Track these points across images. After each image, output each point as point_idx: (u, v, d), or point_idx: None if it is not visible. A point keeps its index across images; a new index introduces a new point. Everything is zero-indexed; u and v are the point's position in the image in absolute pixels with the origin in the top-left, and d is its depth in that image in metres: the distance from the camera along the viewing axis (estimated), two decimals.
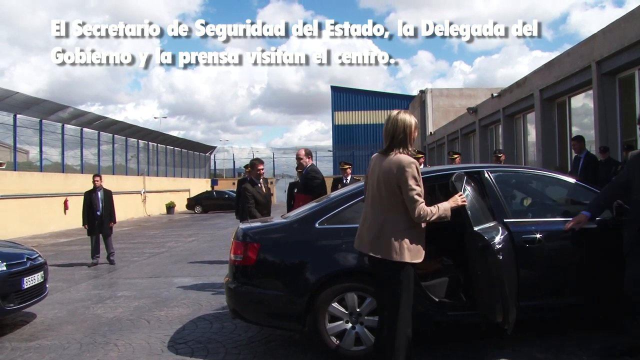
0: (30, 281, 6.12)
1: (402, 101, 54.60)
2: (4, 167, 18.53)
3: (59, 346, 5.40)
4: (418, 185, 3.62)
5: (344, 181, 9.91)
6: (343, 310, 4.55)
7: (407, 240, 3.62)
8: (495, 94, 22.14)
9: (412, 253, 3.63)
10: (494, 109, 22.48)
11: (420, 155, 10.31)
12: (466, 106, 28.21)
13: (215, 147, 50.25)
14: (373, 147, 48.99)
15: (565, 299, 4.75)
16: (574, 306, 4.79)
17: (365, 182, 3.92)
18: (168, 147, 37.58)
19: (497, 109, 21.82)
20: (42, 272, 6.43)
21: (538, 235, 4.67)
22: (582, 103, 16.01)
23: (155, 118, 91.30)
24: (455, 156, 10.58)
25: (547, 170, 6.39)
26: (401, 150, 3.73)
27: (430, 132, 37.18)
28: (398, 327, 3.66)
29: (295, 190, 9.11)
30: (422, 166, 9.85)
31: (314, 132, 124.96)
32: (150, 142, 34.48)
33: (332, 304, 4.54)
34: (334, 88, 58.64)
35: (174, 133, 51.40)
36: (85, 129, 26.17)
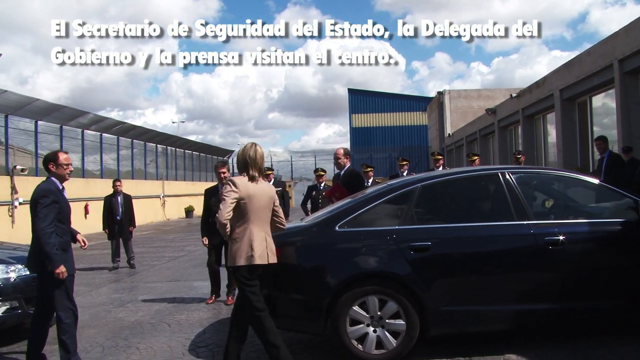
0: None
1: (420, 103, 54.28)
2: (25, 172, 18.74)
3: (81, 349, 5.42)
4: None
5: (366, 184, 9.87)
6: (364, 313, 4.53)
7: None
8: (514, 95, 21.94)
9: None
10: (513, 110, 22.28)
11: (440, 157, 10.27)
12: (484, 107, 28.00)
13: (233, 151, 50.28)
14: (391, 150, 48.85)
15: (593, 302, 4.68)
16: (603, 309, 4.73)
17: (248, 202, 4.28)
18: (186, 151, 37.79)
19: (517, 109, 21.62)
20: None
21: (561, 237, 4.62)
22: (602, 102, 15.80)
23: (173, 123, 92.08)
24: (475, 158, 10.50)
25: (569, 171, 6.31)
26: (262, 177, 4.48)
27: (449, 134, 36.96)
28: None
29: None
30: (440, 168, 9.80)
31: (332, 135, 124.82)
32: (168, 147, 34.71)
33: (353, 308, 4.52)
34: (351, 91, 58.46)
35: (192, 137, 51.86)
36: (104, 135, 26.43)
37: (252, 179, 4.35)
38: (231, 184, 4.29)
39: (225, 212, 4.19)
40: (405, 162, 10.31)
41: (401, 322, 4.52)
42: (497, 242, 4.72)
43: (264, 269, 4.32)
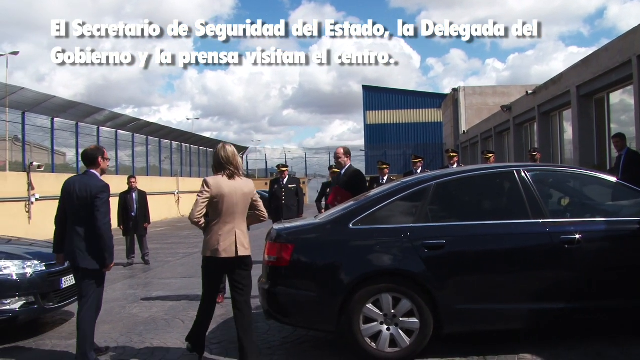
0: (68, 281, 6.21)
1: (435, 100, 54.10)
2: (42, 169, 18.95)
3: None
4: None
5: (381, 181, 9.82)
6: (378, 311, 4.52)
7: None
8: (530, 92, 21.72)
9: None
10: (528, 107, 22.08)
11: (454, 155, 10.19)
12: (500, 104, 27.75)
13: (247, 148, 50.62)
14: (406, 147, 48.70)
15: (609, 302, 4.63)
16: (618, 309, 4.67)
17: (220, 200, 4.50)
18: (201, 148, 37.99)
19: (532, 106, 21.42)
20: None
21: (577, 236, 4.56)
22: (620, 99, 15.59)
23: (188, 119, 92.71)
24: (490, 155, 10.39)
25: (585, 168, 6.23)
26: (240, 175, 4.62)
27: (464, 131, 36.75)
28: (250, 307, 4.65)
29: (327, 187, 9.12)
30: (455, 166, 9.73)
31: (346, 132, 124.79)
32: (183, 144, 34.90)
33: (367, 305, 4.51)
34: (365, 87, 58.35)
35: (207, 134, 52.10)
36: (120, 131, 26.65)
37: (230, 176, 4.55)
38: (204, 185, 4.54)
39: (196, 211, 4.51)
40: (418, 160, 10.23)
41: (415, 320, 4.50)
42: (512, 241, 4.68)
43: (234, 261, 4.53)
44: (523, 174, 4.93)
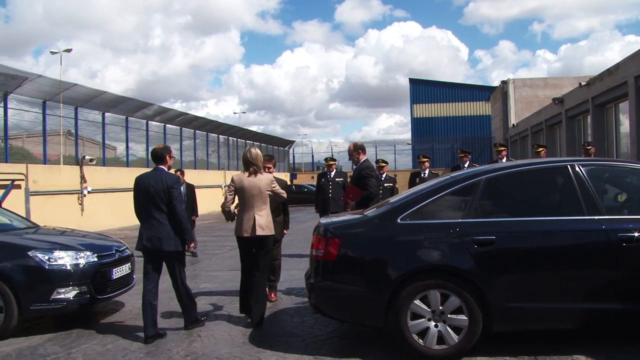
0: (119, 272, 6.37)
1: (483, 92, 53.06)
2: (94, 162, 19.48)
3: (143, 337, 5.55)
4: None
5: (422, 175, 9.69)
6: (425, 308, 4.45)
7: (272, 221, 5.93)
8: (583, 83, 21.08)
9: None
10: (582, 99, 21.43)
11: (502, 148, 9.96)
12: (551, 96, 27.06)
13: (294, 142, 50.79)
14: (453, 140, 47.95)
15: None
16: None
17: (241, 192, 5.77)
18: (248, 141, 38.30)
19: (586, 98, 20.78)
20: (129, 264, 6.68)
21: (636, 234, 4.38)
22: None
23: (235, 113, 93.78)
24: (540, 149, 10.11)
25: None
26: (261, 171, 5.83)
27: (513, 124, 35.97)
28: (264, 279, 5.99)
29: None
30: (504, 160, 9.49)
31: (393, 125, 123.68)
32: (230, 137, 35.29)
33: (415, 302, 4.44)
34: (412, 80, 57.67)
35: (254, 128, 52.52)
36: (168, 125, 27.12)
37: (252, 173, 5.74)
38: (231, 180, 5.91)
39: (225, 200, 5.99)
40: (464, 154, 9.96)
41: (463, 317, 4.41)
42: (566, 238, 4.52)
43: (254, 239, 5.77)
44: (577, 169, 4.75)
